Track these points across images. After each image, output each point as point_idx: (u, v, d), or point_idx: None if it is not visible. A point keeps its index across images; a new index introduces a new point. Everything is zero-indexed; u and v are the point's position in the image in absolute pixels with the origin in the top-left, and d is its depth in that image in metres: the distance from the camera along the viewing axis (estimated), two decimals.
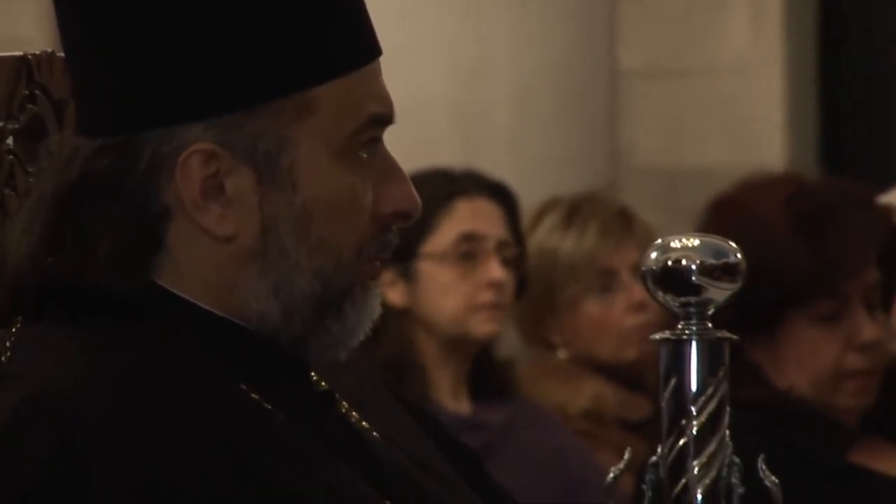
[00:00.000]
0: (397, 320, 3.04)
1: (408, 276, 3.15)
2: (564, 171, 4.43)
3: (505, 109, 4.59)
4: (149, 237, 0.93)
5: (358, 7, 0.98)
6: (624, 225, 3.49)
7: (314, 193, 0.93)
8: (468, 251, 3.19)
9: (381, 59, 1.01)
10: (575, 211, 3.48)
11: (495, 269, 3.16)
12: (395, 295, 3.07)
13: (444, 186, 3.21)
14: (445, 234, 3.17)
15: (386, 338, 2.88)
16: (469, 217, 3.22)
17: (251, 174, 0.92)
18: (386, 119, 0.99)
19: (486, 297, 3.16)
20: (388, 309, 1.21)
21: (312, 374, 1.01)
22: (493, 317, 3.19)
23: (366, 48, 0.99)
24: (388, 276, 2.96)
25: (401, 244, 1.07)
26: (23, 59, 1.08)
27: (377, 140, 0.99)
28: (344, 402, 1.03)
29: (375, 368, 1.29)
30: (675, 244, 0.87)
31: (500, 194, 3.29)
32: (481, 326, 3.17)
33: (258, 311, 0.94)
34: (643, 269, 0.88)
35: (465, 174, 3.36)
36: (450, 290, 3.18)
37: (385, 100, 0.99)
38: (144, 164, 0.91)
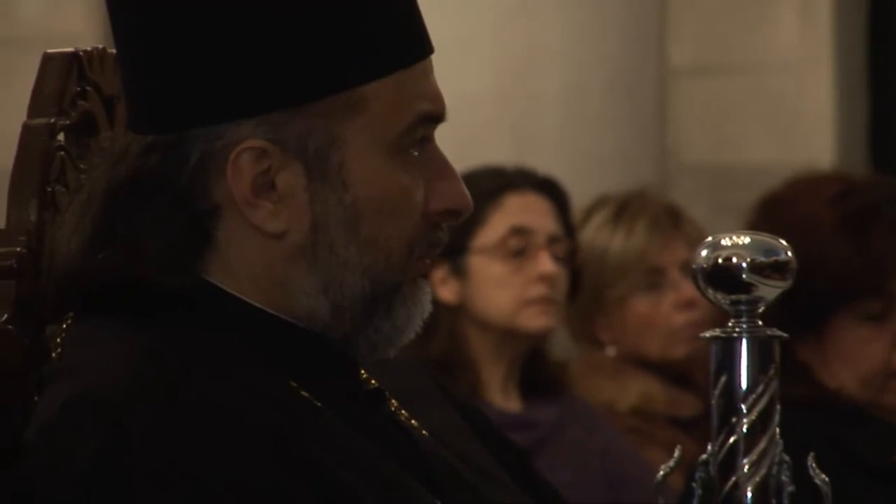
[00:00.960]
0: (448, 317, 3.03)
1: (458, 271, 3.13)
2: (613, 169, 4.42)
3: (554, 106, 4.58)
4: (198, 234, 0.93)
5: (409, 4, 0.98)
6: (672, 222, 3.46)
7: (364, 191, 0.93)
8: (519, 245, 3.17)
9: (432, 55, 1.00)
10: (623, 208, 3.45)
11: (546, 263, 3.13)
12: (446, 291, 3.06)
13: (494, 181, 3.19)
14: (495, 228, 3.15)
15: (436, 334, 2.87)
16: (519, 211, 3.20)
17: (302, 171, 0.92)
18: (437, 117, 0.99)
19: (538, 291, 3.13)
20: (438, 305, 1.20)
21: (361, 371, 1.01)
22: (544, 311, 3.15)
23: (417, 46, 0.98)
24: (439, 272, 2.97)
25: (451, 239, 1.06)
26: (74, 56, 1.09)
27: (428, 138, 0.98)
28: (393, 401, 1.03)
29: (424, 365, 1.29)
30: (725, 242, 0.86)
31: (550, 189, 3.26)
32: (533, 321, 3.14)
33: (308, 309, 0.94)
34: (693, 266, 0.87)
35: (516, 170, 3.34)
36: (501, 285, 3.16)
37: (436, 98, 0.98)
38: (194, 161, 0.91)
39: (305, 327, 0.95)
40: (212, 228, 0.93)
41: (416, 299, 0.98)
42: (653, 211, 3.48)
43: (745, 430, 0.84)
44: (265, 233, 0.93)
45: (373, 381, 1.02)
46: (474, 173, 2.89)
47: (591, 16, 4.59)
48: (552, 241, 3.18)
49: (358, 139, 0.93)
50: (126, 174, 0.93)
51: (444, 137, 1.01)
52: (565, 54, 4.58)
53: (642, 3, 4.77)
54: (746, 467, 0.83)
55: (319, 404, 0.92)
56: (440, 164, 0.99)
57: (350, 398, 0.98)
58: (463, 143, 2.91)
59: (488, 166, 3.28)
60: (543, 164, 3.58)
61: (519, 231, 3.17)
